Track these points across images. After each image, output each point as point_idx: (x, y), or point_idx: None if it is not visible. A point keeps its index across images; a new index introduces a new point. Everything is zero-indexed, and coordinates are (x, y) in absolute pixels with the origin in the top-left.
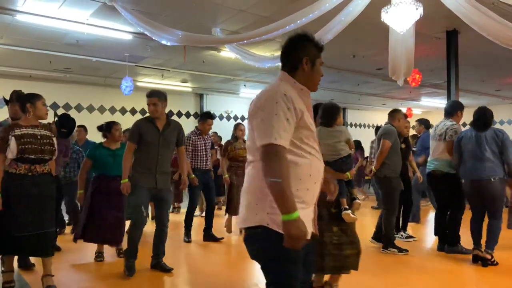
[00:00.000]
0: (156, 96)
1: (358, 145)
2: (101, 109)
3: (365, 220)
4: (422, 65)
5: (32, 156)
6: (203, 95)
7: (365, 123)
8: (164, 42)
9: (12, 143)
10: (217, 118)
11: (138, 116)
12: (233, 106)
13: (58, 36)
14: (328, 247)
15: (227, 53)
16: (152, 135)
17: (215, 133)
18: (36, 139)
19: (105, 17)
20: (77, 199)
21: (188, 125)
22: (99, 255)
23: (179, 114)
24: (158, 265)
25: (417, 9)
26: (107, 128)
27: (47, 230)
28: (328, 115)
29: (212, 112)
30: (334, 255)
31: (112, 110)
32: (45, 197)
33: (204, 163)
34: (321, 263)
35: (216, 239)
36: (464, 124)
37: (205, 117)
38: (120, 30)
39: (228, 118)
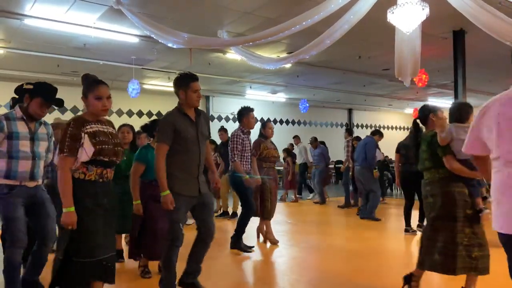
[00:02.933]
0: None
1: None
2: (108, 112)
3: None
4: (428, 66)
5: (106, 159)
6: (209, 97)
7: (372, 124)
8: (170, 44)
9: (86, 142)
10: (223, 120)
11: (145, 119)
12: (239, 108)
13: (65, 39)
14: (459, 248)
15: (232, 55)
16: (190, 130)
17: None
18: (108, 137)
19: (111, 21)
20: (135, 210)
21: None
22: (146, 271)
23: None
24: (193, 286)
25: (423, 9)
26: (153, 127)
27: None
28: (462, 113)
29: (218, 114)
30: (463, 256)
31: (119, 112)
32: (113, 209)
33: (249, 165)
34: (452, 264)
35: (247, 249)
36: None
37: (249, 111)
38: (126, 33)
39: (234, 120)
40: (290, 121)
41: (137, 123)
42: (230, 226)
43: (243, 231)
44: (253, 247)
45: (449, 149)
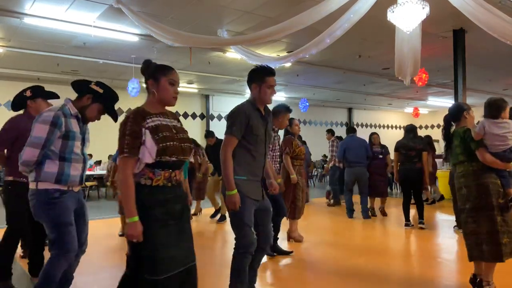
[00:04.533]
0: None
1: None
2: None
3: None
4: (428, 65)
5: (173, 159)
6: (209, 96)
7: (372, 123)
8: (169, 43)
9: (148, 140)
10: (222, 119)
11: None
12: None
13: (65, 38)
14: (500, 236)
15: (232, 54)
16: (260, 127)
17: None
18: (172, 132)
19: (111, 20)
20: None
21: (194, 126)
22: None
23: (185, 115)
24: None
25: (423, 8)
26: None
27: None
28: (496, 108)
29: (217, 113)
30: (504, 243)
31: (119, 111)
32: (187, 215)
33: (278, 164)
34: (500, 252)
35: (285, 252)
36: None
37: (286, 111)
38: (126, 32)
39: None
40: None
41: None
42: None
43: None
44: (291, 252)
45: (482, 142)
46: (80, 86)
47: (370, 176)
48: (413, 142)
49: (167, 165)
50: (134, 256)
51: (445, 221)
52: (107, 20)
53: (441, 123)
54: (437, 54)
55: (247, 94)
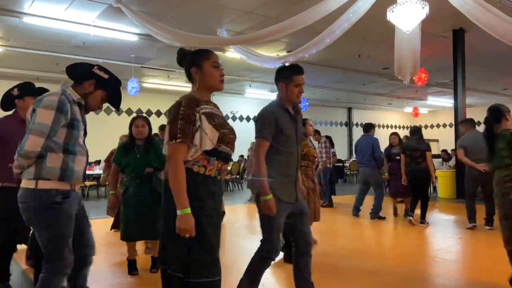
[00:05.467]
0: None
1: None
2: (108, 110)
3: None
4: (428, 64)
5: (228, 149)
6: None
7: (372, 122)
8: (169, 43)
9: (206, 126)
10: None
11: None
12: (239, 107)
13: (64, 38)
14: None
15: (232, 53)
16: (290, 127)
17: None
18: (224, 121)
19: (111, 19)
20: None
21: None
22: None
23: None
24: None
25: (423, 8)
26: None
27: None
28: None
29: None
30: None
31: (119, 111)
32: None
33: None
34: None
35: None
36: (479, 123)
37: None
38: (126, 32)
39: (234, 118)
40: None
41: None
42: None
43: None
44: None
45: None
46: (81, 70)
47: (390, 177)
48: (417, 143)
49: (221, 155)
50: (178, 254)
51: (444, 220)
52: (106, 20)
53: (441, 122)
54: (436, 53)
55: (247, 93)
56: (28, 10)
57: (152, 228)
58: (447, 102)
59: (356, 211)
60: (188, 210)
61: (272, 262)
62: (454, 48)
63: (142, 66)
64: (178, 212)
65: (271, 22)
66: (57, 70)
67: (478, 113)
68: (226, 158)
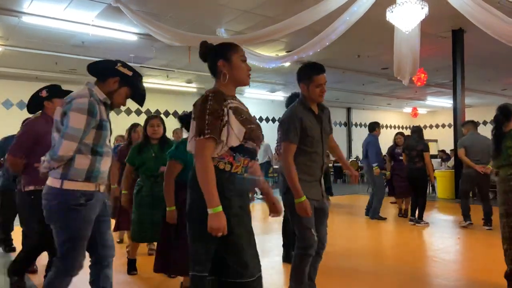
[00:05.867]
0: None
1: None
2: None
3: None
4: (427, 65)
5: (254, 145)
6: None
7: (375, 121)
8: (168, 43)
9: (233, 121)
10: None
11: (144, 117)
12: None
13: (63, 37)
14: None
15: None
16: (315, 127)
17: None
18: (250, 116)
19: (110, 19)
20: (168, 219)
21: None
22: None
23: None
24: None
25: (422, 8)
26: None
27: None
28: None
29: None
30: None
31: (117, 111)
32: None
33: None
34: None
35: None
36: (478, 123)
37: None
38: (125, 31)
39: None
40: None
41: (136, 121)
42: None
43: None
44: None
45: None
46: (105, 68)
47: (392, 177)
48: (415, 143)
49: (247, 151)
50: (205, 253)
51: (443, 220)
52: (105, 19)
53: (440, 123)
54: (436, 54)
55: (246, 93)
56: (27, 9)
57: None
58: (446, 102)
59: (367, 211)
60: (220, 208)
61: (276, 261)
62: (453, 49)
63: (141, 66)
64: (210, 211)
65: (270, 22)
66: (56, 69)
67: (477, 114)
68: (252, 155)
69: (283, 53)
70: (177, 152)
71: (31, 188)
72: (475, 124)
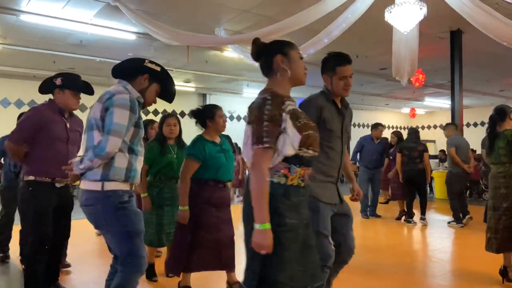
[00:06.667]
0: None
1: None
2: None
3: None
4: (425, 65)
5: (311, 152)
6: (206, 95)
7: (368, 123)
8: (167, 42)
9: (290, 127)
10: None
11: (142, 117)
12: (236, 106)
13: (62, 36)
14: None
15: (230, 53)
16: (336, 122)
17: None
18: (308, 119)
19: (108, 17)
20: (180, 218)
21: (191, 126)
22: None
23: (182, 114)
24: None
25: (421, 9)
26: (208, 114)
27: None
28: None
29: None
30: None
31: None
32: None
33: None
34: None
35: None
36: (468, 125)
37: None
38: (123, 30)
39: (231, 118)
40: None
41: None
42: None
43: None
44: None
45: None
46: (133, 66)
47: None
48: (416, 144)
49: (304, 160)
50: (253, 269)
51: (440, 221)
52: (104, 18)
53: (438, 123)
54: (434, 54)
55: (245, 93)
56: (25, 8)
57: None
58: (444, 103)
59: (367, 211)
60: (268, 225)
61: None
62: (451, 49)
63: None
64: (256, 226)
65: (269, 21)
66: (54, 68)
67: (475, 114)
68: (310, 162)
69: None
70: (194, 149)
71: (31, 178)
72: (457, 126)
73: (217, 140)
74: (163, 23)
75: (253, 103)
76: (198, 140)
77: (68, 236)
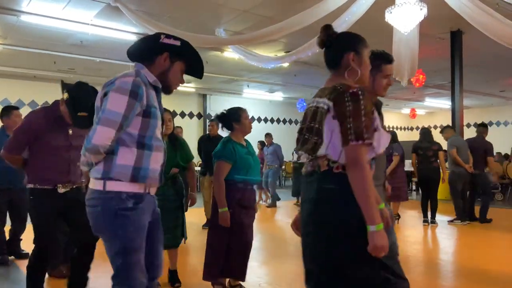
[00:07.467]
0: None
1: None
2: None
3: None
4: (426, 66)
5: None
6: (206, 95)
7: None
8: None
9: (380, 124)
10: None
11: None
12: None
13: (62, 36)
14: None
15: (230, 53)
16: (382, 123)
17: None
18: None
19: (109, 18)
20: (221, 221)
21: (192, 126)
22: None
23: (182, 115)
24: None
25: (421, 9)
26: (235, 116)
27: None
28: None
29: (215, 113)
30: None
31: None
32: None
33: None
34: None
35: None
36: (468, 125)
37: None
38: (124, 31)
39: None
40: (287, 120)
41: None
42: None
43: None
44: None
45: None
46: (148, 46)
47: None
48: (430, 143)
49: (372, 162)
50: (368, 275)
51: (441, 221)
52: (104, 19)
53: (438, 124)
54: (434, 55)
55: (245, 93)
56: (26, 8)
57: (173, 235)
58: (445, 103)
59: None
60: (381, 225)
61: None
62: (451, 50)
63: None
64: (372, 228)
65: (269, 22)
66: (54, 68)
67: (475, 115)
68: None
69: (282, 54)
70: (225, 151)
71: (31, 186)
72: (453, 128)
73: (244, 142)
74: (163, 24)
75: (339, 97)
76: (227, 141)
77: (88, 237)
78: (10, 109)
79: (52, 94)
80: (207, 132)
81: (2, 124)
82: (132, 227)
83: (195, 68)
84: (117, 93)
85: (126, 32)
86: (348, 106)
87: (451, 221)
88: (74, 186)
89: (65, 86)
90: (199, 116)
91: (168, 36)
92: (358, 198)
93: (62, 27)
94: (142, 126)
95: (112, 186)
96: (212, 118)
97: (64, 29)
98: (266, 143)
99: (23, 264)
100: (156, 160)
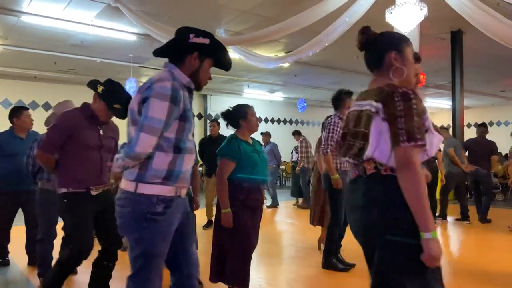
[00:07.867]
0: None
1: None
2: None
3: None
4: (426, 66)
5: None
6: (207, 95)
7: None
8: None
9: (431, 125)
10: (220, 119)
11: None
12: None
13: (62, 37)
14: None
15: (230, 53)
16: None
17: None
18: None
19: (109, 18)
20: (224, 222)
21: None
22: None
23: None
24: None
25: (421, 9)
26: (241, 114)
27: None
28: None
29: (215, 113)
30: None
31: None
32: None
33: (336, 160)
34: None
35: (342, 268)
36: (469, 125)
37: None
38: (124, 31)
39: None
40: (288, 121)
41: None
42: None
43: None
44: (354, 265)
45: None
46: (178, 46)
47: None
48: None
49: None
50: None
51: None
52: (105, 19)
53: (438, 124)
54: (434, 55)
55: (245, 93)
56: (26, 9)
57: None
58: (445, 103)
59: None
60: (436, 232)
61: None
62: (452, 50)
63: (140, 66)
64: (427, 235)
65: (270, 22)
66: (54, 69)
67: (476, 115)
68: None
69: (282, 54)
70: (229, 149)
71: (64, 190)
72: (454, 129)
73: (250, 140)
74: (163, 24)
75: (386, 96)
76: (232, 139)
77: (116, 242)
78: (21, 110)
79: (53, 94)
80: (208, 133)
81: (10, 125)
82: (159, 232)
83: (223, 63)
84: (158, 99)
85: (127, 32)
86: (398, 106)
87: (437, 216)
88: (105, 188)
89: (96, 82)
90: (200, 116)
91: (197, 34)
92: (411, 203)
93: (62, 28)
94: (178, 129)
95: (144, 189)
96: (213, 118)
97: (65, 30)
98: (262, 142)
99: (23, 264)
100: (188, 162)
